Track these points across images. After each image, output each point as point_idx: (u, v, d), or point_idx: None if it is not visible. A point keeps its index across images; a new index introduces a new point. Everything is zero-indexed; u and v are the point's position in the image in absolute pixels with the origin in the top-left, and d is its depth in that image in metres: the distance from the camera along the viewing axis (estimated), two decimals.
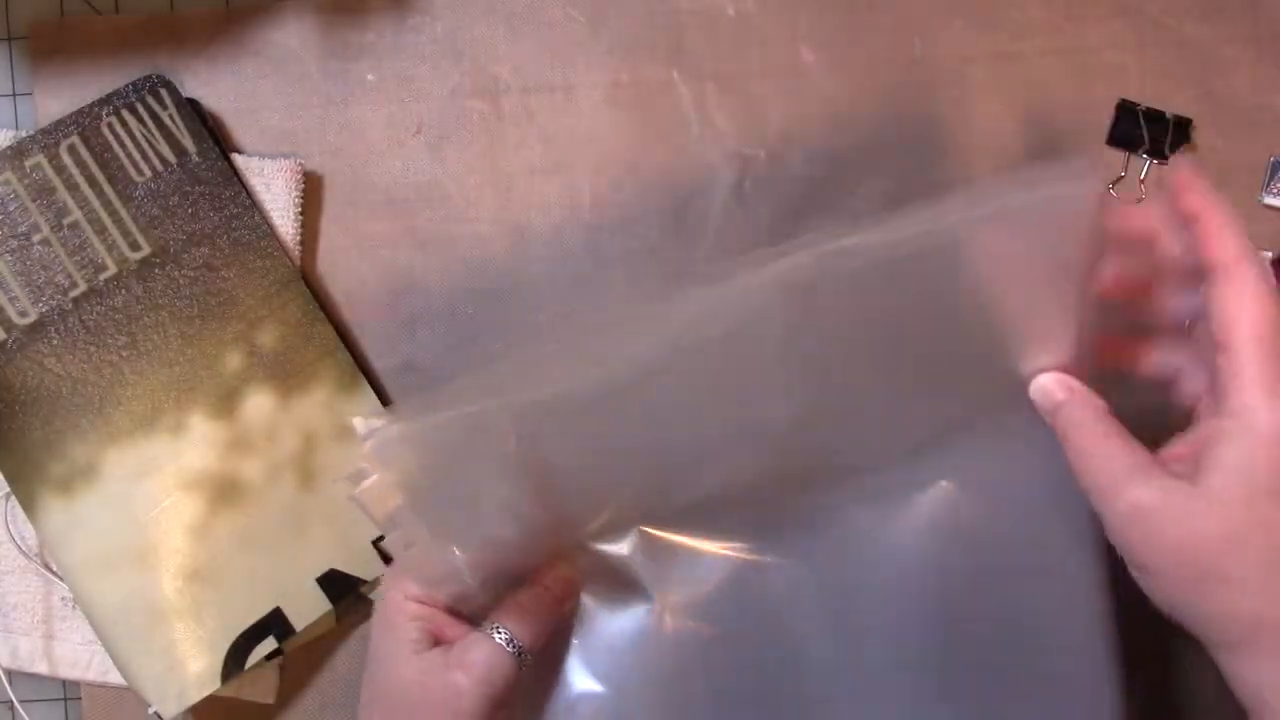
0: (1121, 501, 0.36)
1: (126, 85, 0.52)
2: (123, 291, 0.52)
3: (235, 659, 0.51)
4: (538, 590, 0.43)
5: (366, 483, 0.39)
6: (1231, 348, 0.36)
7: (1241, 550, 0.34)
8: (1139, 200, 0.55)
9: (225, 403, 0.52)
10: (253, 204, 0.53)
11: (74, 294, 0.52)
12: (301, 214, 0.54)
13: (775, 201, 0.55)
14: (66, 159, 0.52)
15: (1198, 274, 0.37)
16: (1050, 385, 0.41)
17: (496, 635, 0.41)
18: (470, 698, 0.40)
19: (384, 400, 0.54)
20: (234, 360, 0.52)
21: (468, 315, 0.55)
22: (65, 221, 0.52)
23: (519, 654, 0.41)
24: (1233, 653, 0.36)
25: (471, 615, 0.43)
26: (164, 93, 0.53)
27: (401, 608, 0.42)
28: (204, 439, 0.52)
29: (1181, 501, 0.35)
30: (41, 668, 0.53)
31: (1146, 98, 0.55)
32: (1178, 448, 0.39)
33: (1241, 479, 0.35)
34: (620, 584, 0.44)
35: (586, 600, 0.45)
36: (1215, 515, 0.35)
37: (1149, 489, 0.36)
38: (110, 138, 0.52)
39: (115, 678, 0.52)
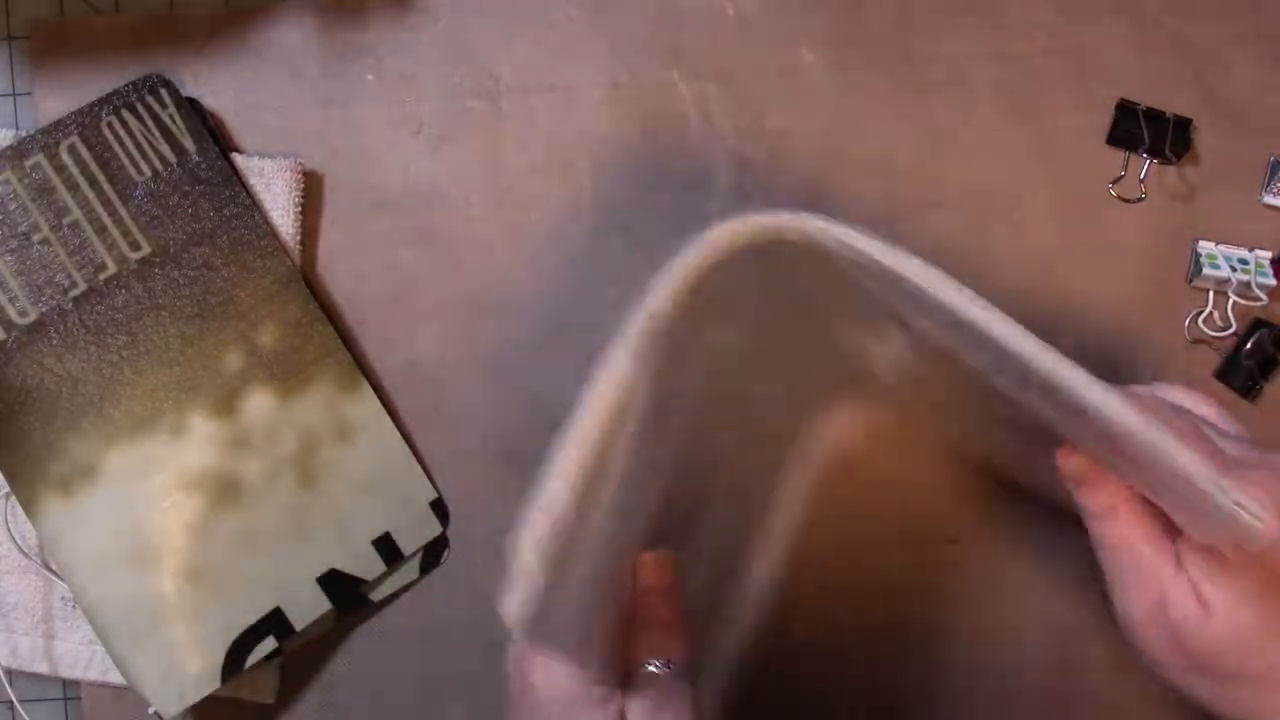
0: (1152, 612, 0.38)
1: (126, 85, 0.52)
2: (123, 291, 0.52)
3: (235, 659, 0.51)
4: (653, 605, 0.42)
5: None
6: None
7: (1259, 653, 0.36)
8: (1140, 199, 0.55)
9: (225, 403, 0.52)
10: (253, 204, 0.53)
11: (74, 294, 0.52)
12: (301, 214, 0.54)
13: (775, 201, 0.55)
14: (66, 159, 0.52)
15: None
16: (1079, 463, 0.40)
17: (659, 670, 0.39)
18: None
19: (384, 400, 0.54)
20: (234, 360, 0.52)
21: (468, 315, 0.55)
22: (65, 221, 0.52)
23: (680, 672, 0.40)
24: None
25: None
26: (164, 92, 0.53)
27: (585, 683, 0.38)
28: (204, 439, 0.52)
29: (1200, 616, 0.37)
30: (41, 667, 0.53)
31: (1146, 98, 0.55)
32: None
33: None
34: None
35: None
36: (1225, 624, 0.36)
37: (1178, 601, 0.37)
38: (110, 137, 0.52)
39: (115, 678, 0.52)
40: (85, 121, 0.52)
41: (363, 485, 0.53)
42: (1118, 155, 0.55)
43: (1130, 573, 0.38)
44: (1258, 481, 0.33)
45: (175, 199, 0.52)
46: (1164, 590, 0.37)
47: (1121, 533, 0.38)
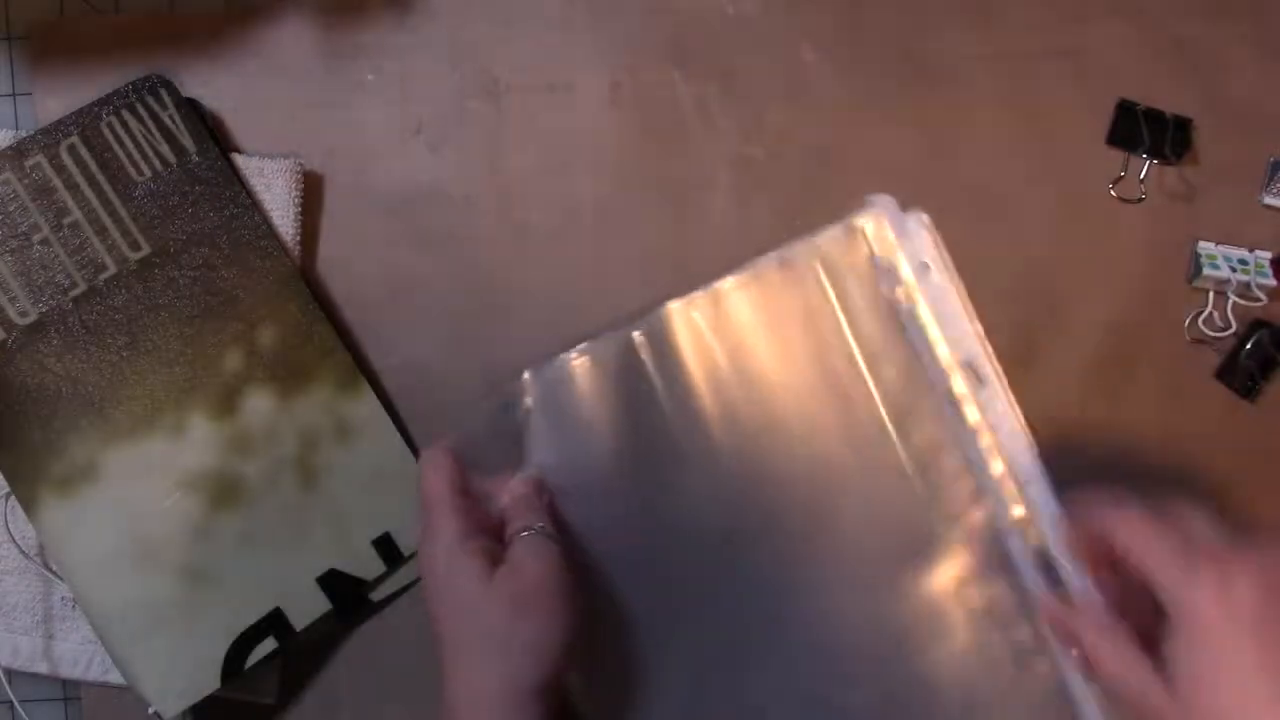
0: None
1: (126, 85, 0.52)
2: (123, 291, 0.52)
3: (235, 659, 0.51)
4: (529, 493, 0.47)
5: None
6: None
7: None
8: (1140, 199, 0.55)
9: (225, 403, 0.52)
10: (253, 204, 0.53)
11: (74, 294, 0.52)
12: (301, 214, 0.54)
13: (775, 201, 0.55)
14: (66, 159, 0.52)
15: None
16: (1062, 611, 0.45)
17: (540, 531, 0.45)
18: (560, 588, 0.44)
19: (384, 400, 0.54)
20: (234, 360, 0.52)
21: (468, 315, 0.55)
22: (65, 221, 0.52)
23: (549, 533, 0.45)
24: None
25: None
26: (164, 93, 0.53)
27: (460, 542, 0.44)
28: (204, 439, 0.52)
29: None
30: (41, 667, 0.53)
31: (1146, 98, 0.55)
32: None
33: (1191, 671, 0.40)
34: None
35: None
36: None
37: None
38: (110, 138, 0.52)
39: (115, 678, 0.52)
40: (85, 121, 0.52)
41: (363, 485, 0.53)
42: (1118, 155, 0.55)
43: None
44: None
45: (175, 199, 0.52)
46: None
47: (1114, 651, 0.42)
